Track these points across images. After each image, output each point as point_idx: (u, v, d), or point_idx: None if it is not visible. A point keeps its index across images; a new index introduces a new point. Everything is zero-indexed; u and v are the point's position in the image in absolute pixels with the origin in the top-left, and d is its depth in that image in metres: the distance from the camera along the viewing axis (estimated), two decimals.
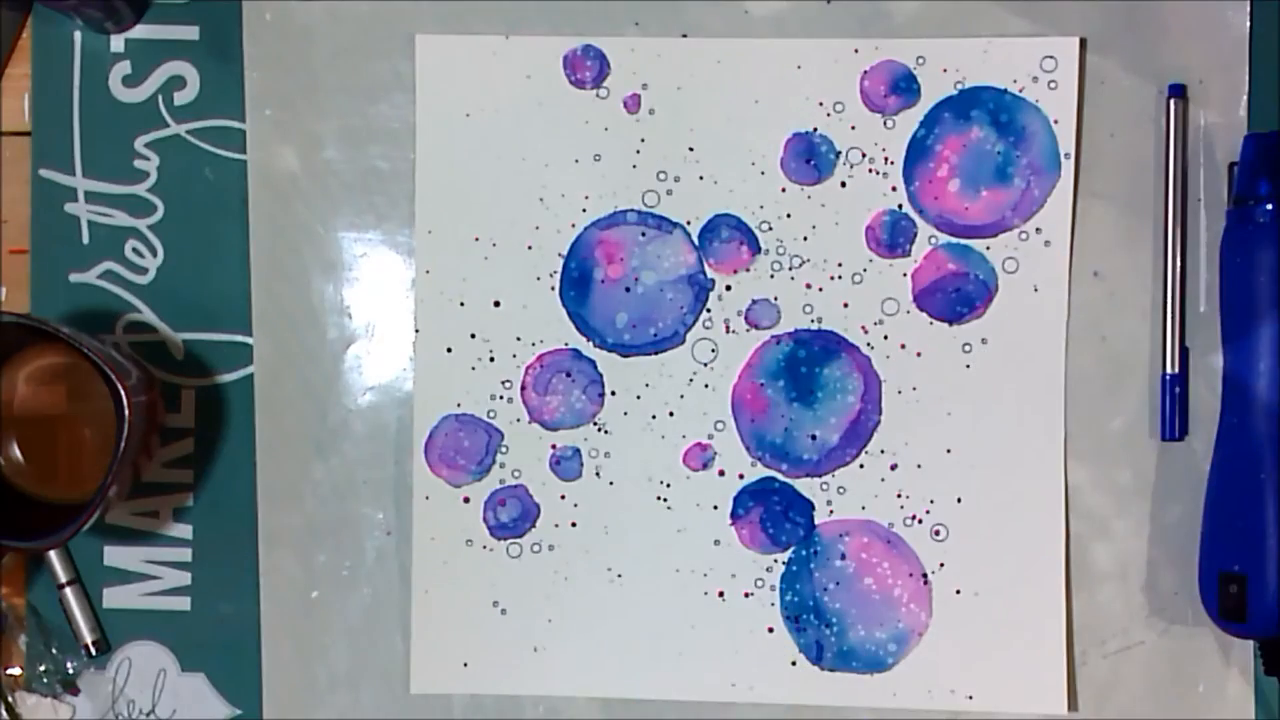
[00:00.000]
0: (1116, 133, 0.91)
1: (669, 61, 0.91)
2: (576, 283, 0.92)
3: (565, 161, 0.92)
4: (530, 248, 0.92)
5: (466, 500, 0.93)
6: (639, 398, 0.92)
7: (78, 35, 0.94)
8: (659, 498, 0.92)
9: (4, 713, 0.94)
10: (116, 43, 0.94)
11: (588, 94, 0.92)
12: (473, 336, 0.92)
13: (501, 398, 0.93)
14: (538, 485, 0.93)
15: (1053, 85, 0.90)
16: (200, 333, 0.95)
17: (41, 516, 0.89)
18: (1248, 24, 0.90)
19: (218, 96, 0.94)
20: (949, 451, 0.91)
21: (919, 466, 0.91)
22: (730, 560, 0.92)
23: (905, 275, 0.91)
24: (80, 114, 0.94)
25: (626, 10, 0.92)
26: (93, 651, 0.94)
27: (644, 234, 0.92)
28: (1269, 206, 0.85)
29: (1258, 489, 0.84)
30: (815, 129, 0.91)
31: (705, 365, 0.92)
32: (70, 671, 0.95)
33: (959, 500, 0.91)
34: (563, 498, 0.93)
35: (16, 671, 0.95)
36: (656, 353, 0.92)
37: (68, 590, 0.94)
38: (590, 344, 0.92)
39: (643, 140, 0.91)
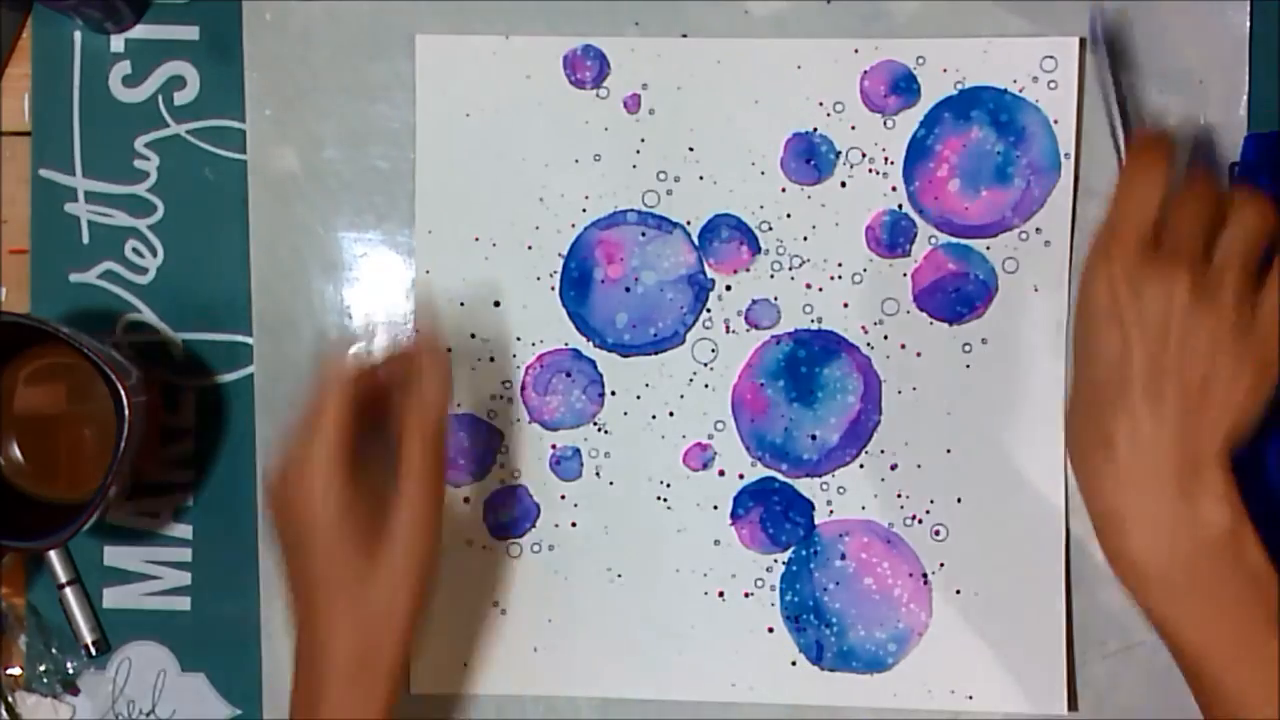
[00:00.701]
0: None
1: (669, 61, 0.91)
2: (576, 283, 0.92)
3: (565, 161, 0.92)
4: (530, 248, 0.92)
5: (466, 501, 0.93)
6: (639, 398, 0.92)
7: (78, 35, 0.94)
8: (659, 498, 0.92)
9: (4, 713, 0.94)
10: (116, 43, 0.94)
11: (588, 94, 0.92)
12: (472, 337, 0.92)
13: (501, 398, 0.92)
14: (538, 485, 0.93)
15: (1053, 85, 0.89)
16: (200, 333, 0.95)
17: (41, 516, 0.89)
18: (1248, 24, 0.90)
19: (218, 96, 0.94)
20: (949, 452, 0.91)
21: (919, 467, 0.91)
22: (730, 560, 0.92)
23: (905, 275, 0.91)
24: (80, 114, 0.94)
25: (626, 10, 0.91)
26: (93, 651, 0.94)
27: (644, 234, 0.91)
28: None
29: (1257, 488, 0.82)
30: (815, 129, 0.91)
31: (705, 365, 0.92)
32: (70, 671, 0.95)
33: (959, 500, 0.91)
34: (563, 498, 0.93)
35: (16, 671, 0.95)
36: (656, 353, 0.92)
37: (68, 590, 0.94)
38: (590, 344, 0.92)
39: (643, 140, 0.91)
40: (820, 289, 0.91)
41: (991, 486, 0.91)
